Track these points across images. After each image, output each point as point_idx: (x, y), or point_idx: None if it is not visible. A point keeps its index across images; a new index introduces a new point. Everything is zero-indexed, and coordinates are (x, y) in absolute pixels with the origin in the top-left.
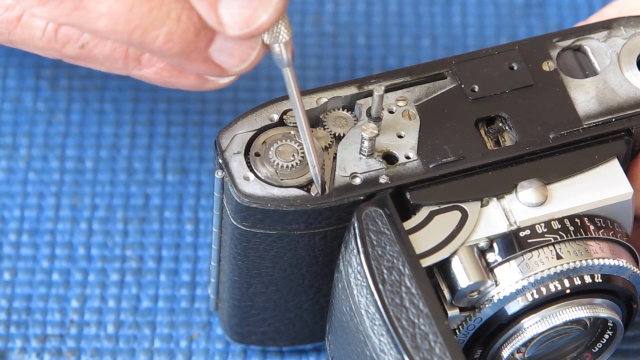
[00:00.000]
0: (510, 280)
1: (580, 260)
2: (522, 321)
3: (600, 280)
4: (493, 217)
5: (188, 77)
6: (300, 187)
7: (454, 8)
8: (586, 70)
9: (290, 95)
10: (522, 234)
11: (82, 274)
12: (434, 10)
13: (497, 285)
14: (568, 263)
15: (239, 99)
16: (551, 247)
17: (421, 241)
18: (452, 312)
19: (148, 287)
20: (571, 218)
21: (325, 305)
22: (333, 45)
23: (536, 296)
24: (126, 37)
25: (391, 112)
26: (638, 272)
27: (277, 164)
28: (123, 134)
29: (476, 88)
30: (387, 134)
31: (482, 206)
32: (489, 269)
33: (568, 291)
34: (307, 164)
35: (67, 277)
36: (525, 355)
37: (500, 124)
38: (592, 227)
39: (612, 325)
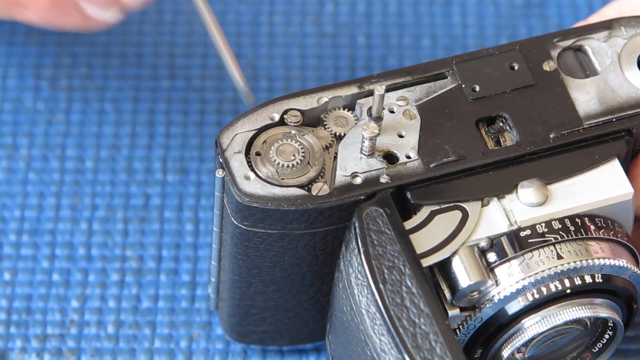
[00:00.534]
0: (510, 280)
1: (581, 260)
2: (523, 321)
3: (601, 280)
4: (494, 217)
5: (71, 16)
6: (301, 186)
7: (454, 8)
8: (587, 70)
9: (205, 20)
10: (522, 233)
11: (82, 274)
12: (434, 10)
13: (497, 285)
14: (568, 263)
15: (239, 99)
16: (552, 247)
17: (422, 241)
18: (453, 312)
19: (148, 287)
20: (572, 218)
21: (326, 304)
22: (333, 45)
23: (537, 296)
24: None
25: (392, 111)
26: (638, 272)
27: (278, 164)
28: (123, 134)
29: (477, 88)
30: (387, 134)
31: (482, 206)
32: (490, 268)
33: (568, 291)
34: (307, 163)
35: (67, 277)
36: (526, 355)
37: (501, 124)
38: (592, 227)
39: (612, 325)
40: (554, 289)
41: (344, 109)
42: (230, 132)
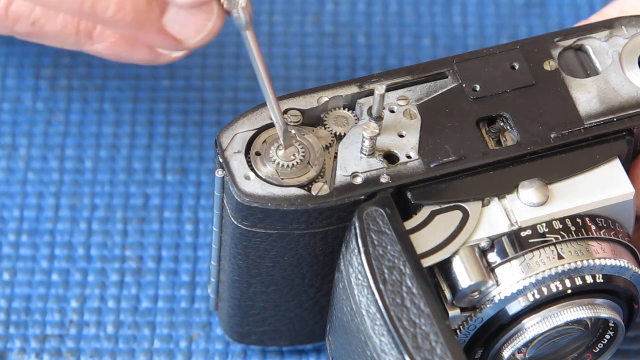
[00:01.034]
0: (511, 280)
1: (582, 261)
2: (523, 321)
3: (602, 281)
4: (494, 217)
5: (140, 51)
6: (301, 186)
7: (454, 8)
8: (587, 69)
9: (252, 57)
10: (523, 233)
11: (82, 274)
12: (434, 9)
13: (498, 285)
14: (569, 263)
15: (239, 98)
16: (552, 247)
17: (422, 241)
18: (453, 312)
19: (148, 288)
20: (572, 218)
21: (326, 305)
22: (333, 45)
23: (537, 296)
24: (77, 7)
25: (392, 111)
26: (639, 272)
27: (278, 163)
28: (122, 134)
29: (477, 87)
30: (388, 134)
31: (483, 206)
32: (490, 269)
33: (569, 291)
34: (308, 162)
35: (66, 277)
36: (526, 356)
37: (502, 124)
38: (593, 227)
39: (613, 325)
40: (554, 289)
41: (344, 109)
42: (230, 132)
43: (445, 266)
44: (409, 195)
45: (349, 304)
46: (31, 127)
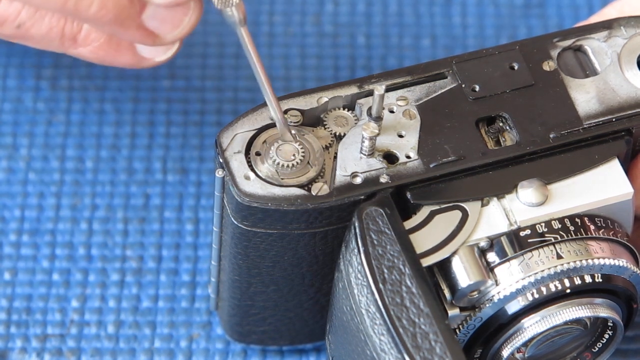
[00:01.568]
0: (510, 280)
1: (581, 260)
2: (522, 321)
3: (601, 280)
4: (493, 217)
5: (124, 54)
6: (300, 186)
7: (454, 8)
8: (586, 70)
9: (247, 54)
10: (522, 233)
11: (83, 273)
12: (434, 10)
13: (497, 284)
14: (568, 263)
15: (239, 99)
16: (551, 247)
17: (422, 241)
18: (453, 312)
19: (148, 287)
20: (571, 218)
21: (326, 304)
22: (333, 45)
23: (536, 296)
24: (60, 5)
25: (392, 111)
26: (638, 272)
27: (278, 163)
28: (123, 134)
29: (477, 88)
30: (387, 134)
31: (482, 206)
32: (490, 268)
33: (568, 291)
34: (307, 162)
35: (67, 277)
36: (526, 355)
37: (501, 124)
38: (592, 227)
39: (612, 325)
40: (553, 289)
41: (344, 109)
42: (230, 132)
43: (444, 266)
44: (408, 195)
45: (349, 303)
46: (32, 127)
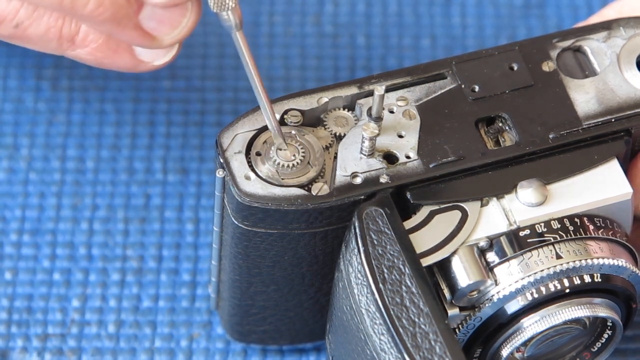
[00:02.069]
0: (510, 280)
1: (580, 260)
2: (522, 320)
3: (600, 280)
4: (493, 217)
5: (122, 57)
6: (301, 186)
7: (453, 8)
8: (586, 70)
9: (242, 58)
10: (521, 233)
11: (83, 273)
12: (433, 10)
13: (496, 284)
14: (567, 263)
15: (239, 99)
16: (551, 247)
17: (421, 240)
18: (452, 311)
19: (149, 287)
20: (571, 218)
21: (326, 304)
22: (333, 45)
23: (536, 295)
24: (57, 2)
25: (392, 112)
26: (637, 271)
27: (278, 163)
28: (124, 134)
29: (476, 88)
30: (387, 134)
31: (482, 206)
32: (489, 268)
33: (567, 291)
34: (308, 163)
35: (68, 276)
36: (525, 355)
37: (500, 124)
38: (591, 227)
39: (611, 324)
40: (553, 289)
41: (344, 109)
42: (231, 132)
43: (444, 265)
44: (408, 195)
45: (349, 303)
46: (33, 128)
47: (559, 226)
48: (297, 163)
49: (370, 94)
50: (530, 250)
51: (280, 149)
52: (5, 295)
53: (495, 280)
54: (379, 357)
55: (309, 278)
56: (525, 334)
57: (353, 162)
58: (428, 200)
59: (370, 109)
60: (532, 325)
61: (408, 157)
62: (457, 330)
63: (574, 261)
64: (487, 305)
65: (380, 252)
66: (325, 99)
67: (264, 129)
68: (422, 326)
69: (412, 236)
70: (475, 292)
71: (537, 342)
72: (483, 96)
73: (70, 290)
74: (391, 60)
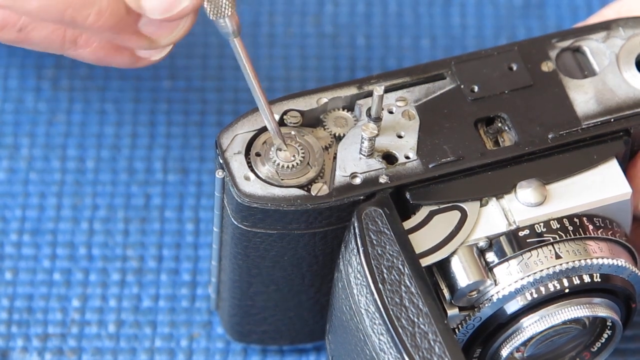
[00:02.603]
0: (509, 280)
1: (579, 260)
2: (521, 320)
3: (599, 280)
4: (492, 217)
5: (122, 55)
6: (300, 187)
7: (453, 9)
8: (585, 70)
9: (241, 63)
10: (521, 233)
11: (83, 273)
12: (433, 11)
13: (496, 284)
14: (567, 262)
15: (240, 99)
16: (550, 247)
17: (421, 241)
18: (452, 312)
19: (149, 287)
20: (570, 218)
21: (325, 304)
22: (333, 46)
23: (535, 295)
24: (58, 16)
25: (391, 112)
26: (637, 271)
27: (278, 164)
28: (124, 134)
29: (475, 88)
30: (386, 134)
31: (481, 206)
32: (488, 268)
33: (567, 290)
34: (307, 163)
35: (68, 276)
36: (525, 354)
37: (500, 124)
38: (591, 227)
39: (610, 324)
40: (552, 289)
41: (343, 110)
42: (231, 133)
43: (443, 266)
44: (407, 195)
45: (349, 303)
46: (33, 128)
47: (558, 226)
48: (297, 164)
49: (370, 94)
50: (529, 250)
51: (280, 150)
52: (6, 295)
53: (495, 280)
54: (378, 357)
55: (308, 278)
56: (524, 334)
57: (352, 163)
58: (427, 201)
59: (369, 110)
60: (532, 325)
61: (407, 157)
62: (456, 330)
63: (574, 261)
64: (486, 305)
65: (379, 252)
66: (325, 100)
67: (264, 129)
68: (422, 326)
69: (411, 236)
70: (474, 292)
71: (537, 342)
72: (482, 96)
73: (70, 290)
74: (391, 61)
